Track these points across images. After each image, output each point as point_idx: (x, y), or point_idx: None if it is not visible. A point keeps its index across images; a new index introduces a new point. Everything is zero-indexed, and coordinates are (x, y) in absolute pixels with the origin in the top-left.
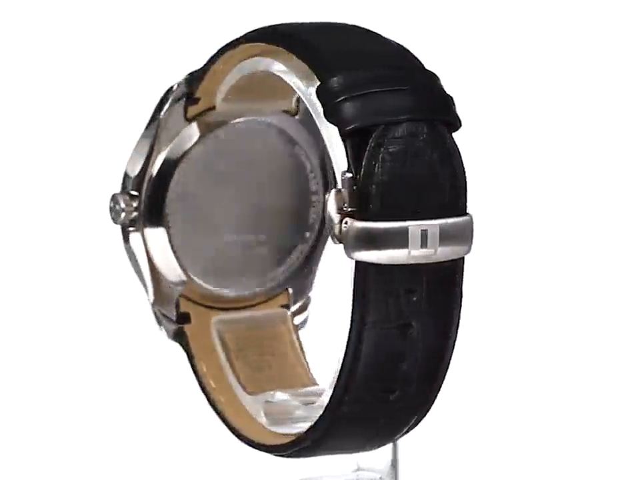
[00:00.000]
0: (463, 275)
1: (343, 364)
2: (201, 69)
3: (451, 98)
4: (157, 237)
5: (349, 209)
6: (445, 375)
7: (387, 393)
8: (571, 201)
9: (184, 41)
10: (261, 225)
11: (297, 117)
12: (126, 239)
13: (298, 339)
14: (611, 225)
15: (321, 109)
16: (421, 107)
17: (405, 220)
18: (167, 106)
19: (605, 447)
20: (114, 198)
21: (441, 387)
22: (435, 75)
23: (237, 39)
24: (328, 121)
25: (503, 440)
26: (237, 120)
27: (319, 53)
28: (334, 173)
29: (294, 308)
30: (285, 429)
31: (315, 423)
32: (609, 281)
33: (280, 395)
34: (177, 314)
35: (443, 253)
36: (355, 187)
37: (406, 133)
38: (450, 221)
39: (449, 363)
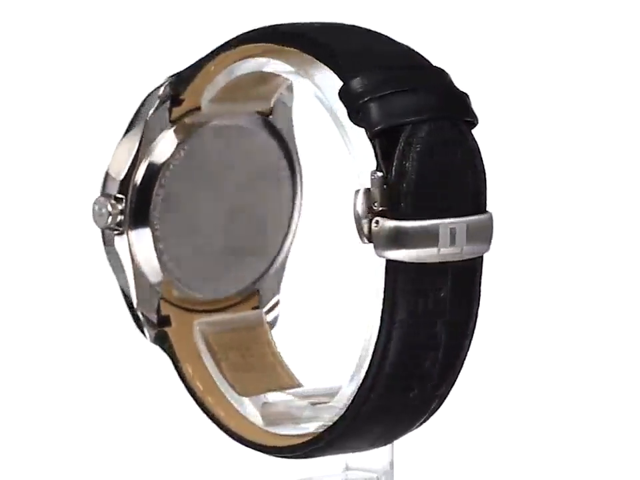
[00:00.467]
0: (482, 273)
1: (371, 362)
2: (190, 69)
3: (467, 95)
4: (141, 239)
5: (380, 208)
6: (459, 374)
7: (407, 392)
8: (571, 201)
9: (161, 40)
10: (237, 228)
11: (269, 118)
12: (110, 242)
13: (272, 339)
14: (611, 224)
15: (341, 110)
16: (443, 106)
17: (435, 218)
18: (153, 108)
19: (603, 447)
20: (99, 202)
21: (453, 385)
22: (446, 72)
23: (236, 39)
24: (353, 121)
25: (498, 439)
26: (217, 122)
27: (338, 53)
28: (301, 177)
29: (265, 309)
30: (284, 429)
31: (335, 422)
32: (612, 280)
33: (279, 396)
34: (158, 317)
35: (468, 251)
36: (385, 186)
37: (432, 132)
38: (474, 218)
39: (464, 362)
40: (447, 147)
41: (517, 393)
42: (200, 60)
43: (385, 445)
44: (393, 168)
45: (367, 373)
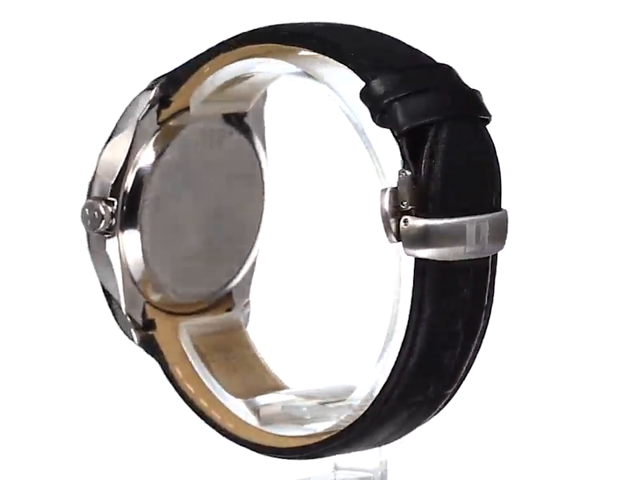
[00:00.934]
0: (496, 271)
1: (397, 361)
2: (182, 70)
3: (479, 92)
4: (131, 242)
5: (409, 207)
6: (469, 371)
7: (424, 390)
8: (570, 200)
9: (141, 41)
10: (215, 230)
11: (245, 119)
12: (100, 245)
13: (251, 341)
14: (611, 222)
15: (359, 110)
16: (462, 104)
17: (461, 216)
18: (144, 111)
19: (600, 447)
20: (90, 205)
21: (462, 384)
22: (453, 69)
23: (235, 40)
24: (378, 121)
25: (491, 437)
26: (198, 123)
27: (357, 54)
28: (263, 177)
29: (238, 310)
30: (286, 430)
31: (355, 421)
32: (613, 278)
33: (279, 397)
34: (143, 320)
35: (488, 249)
36: (414, 185)
37: (455, 131)
38: (494, 215)
39: (474, 360)
40: (469, 145)
41: (510, 390)
42: (194, 60)
43: (389, 443)
44: (422, 167)
45: (392, 371)
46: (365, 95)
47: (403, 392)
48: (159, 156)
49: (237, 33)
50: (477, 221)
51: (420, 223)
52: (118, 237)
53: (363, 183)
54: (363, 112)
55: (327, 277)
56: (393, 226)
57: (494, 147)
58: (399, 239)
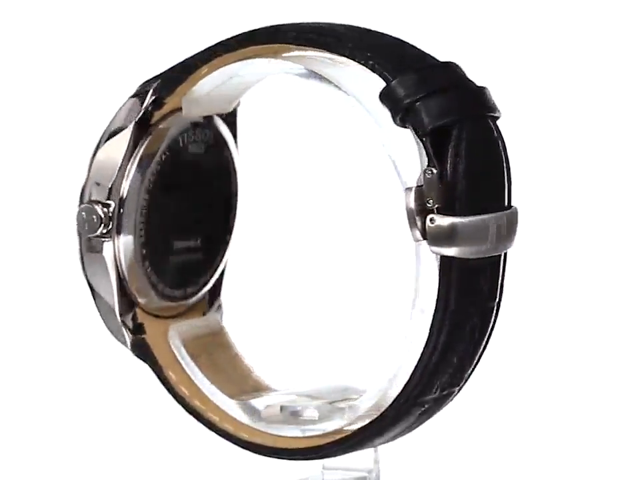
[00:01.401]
0: (506, 267)
1: (420, 358)
2: (178, 71)
3: (488, 89)
4: (127, 245)
5: (435, 205)
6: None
7: (437, 388)
8: (570, 199)
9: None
10: (197, 231)
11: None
12: (97, 249)
13: (232, 342)
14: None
15: (377, 109)
16: (478, 103)
17: (484, 214)
18: (139, 114)
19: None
20: (87, 209)
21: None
22: (460, 67)
23: (235, 40)
24: (399, 121)
25: (483, 436)
26: (185, 124)
27: (374, 54)
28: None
29: (213, 311)
30: (289, 431)
31: (373, 421)
32: (613, 276)
33: (279, 398)
34: (133, 324)
35: (504, 245)
36: (440, 184)
37: (474, 130)
38: (509, 213)
39: (482, 357)
40: (487, 143)
41: (503, 388)
42: (191, 61)
43: (392, 441)
44: (448, 166)
45: (414, 369)
46: (386, 96)
47: (421, 390)
48: (152, 158)
49: (237, 33)
50: (497, 219)
51: (447, 221)
52: (114, 240)
53: (377, 182)
54: (379, 112)
55: (337, 276)
56: (419, 224)
57: (505, 144)
58: (424, 237)
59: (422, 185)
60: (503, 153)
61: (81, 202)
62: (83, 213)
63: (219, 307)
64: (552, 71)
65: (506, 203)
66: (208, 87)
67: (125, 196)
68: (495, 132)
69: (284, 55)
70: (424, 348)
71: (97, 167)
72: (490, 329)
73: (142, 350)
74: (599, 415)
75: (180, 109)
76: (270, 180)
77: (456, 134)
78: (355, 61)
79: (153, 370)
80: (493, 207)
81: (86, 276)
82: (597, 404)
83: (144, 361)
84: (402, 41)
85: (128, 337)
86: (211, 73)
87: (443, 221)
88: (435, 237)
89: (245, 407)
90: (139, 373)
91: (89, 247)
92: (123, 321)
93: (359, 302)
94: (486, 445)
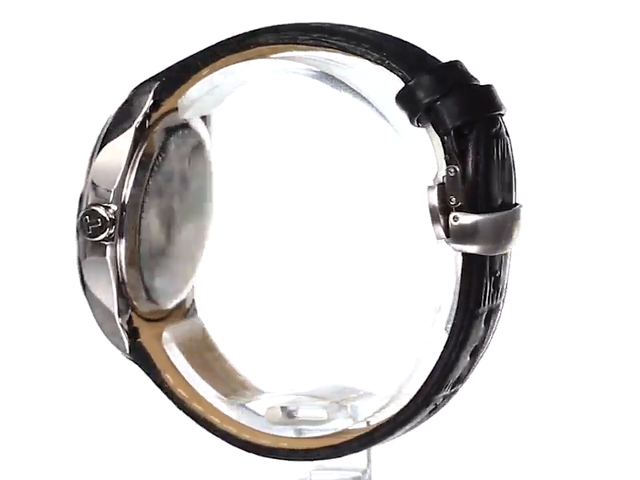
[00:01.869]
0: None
1: (441, 356)
2: (178, 72)
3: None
4: (127, 248)
5: (459, 203)
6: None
7: (450, 385)
8: (568, 197)
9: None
10: (185, 233)
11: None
12: (100, 252)
13: (215, 344)
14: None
15: (392, 109)
16: (490, 102)
17: (501, 211)
18: (140, 116)
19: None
20: (93, 213)
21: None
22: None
23: (236, 41)
24: (419, 120)
25: (474, 435)
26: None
27: (389, 54)
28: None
29: (191, 313)
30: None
31: (390, 419)
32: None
33: (282, 399)
34: (129, 328)
35: (514, 242)
36: (462, 182)
37: (489, 128)
38: (518, 209)
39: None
40: (499, 141)
41: (494, 387)
42: (191, 61)
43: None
44: (470, 164)
45: (435, 366)
46: (405, 96)
47: (437, 387)
48: (149, 160)
49: (238, 33)
50: (511, 216)
51: (470, 219)
52: (116, 243)
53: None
54: (392, 112)
55: (342, 276)
56: (442, 222)
57: (511, 141)
58: (447, 235)
59: (443, 183)
60: (511, 150)
61: (82, 205)
62: (87, 217)
63: (195, 309)
64: (549, 69)
65: (514, 200)
66: (208, 87)
67: (127, 199)
68: (504, 129)
69: (289, 54)
70: (444, 346)
71: (98, 170)
72: (495, 326)
73: (139, 353)
74: (598, 414)
75: (174, 110)
76: (280, 178)
77: (475, 133)
78: (371, 61)
79: (150, 374)
80: (507, 205)
81: (83, 280)
82: (597, 404)
83: (140, 365)
84: (402, 40)
85: (126, 341)
86: (212, 73)
87: (467, 218)
88: (458, 235)
89: (244, 409)
90: (134, 377)
91: (91, 251)
92: (121, 324)
93: (359, 302)
94: (478, 444)
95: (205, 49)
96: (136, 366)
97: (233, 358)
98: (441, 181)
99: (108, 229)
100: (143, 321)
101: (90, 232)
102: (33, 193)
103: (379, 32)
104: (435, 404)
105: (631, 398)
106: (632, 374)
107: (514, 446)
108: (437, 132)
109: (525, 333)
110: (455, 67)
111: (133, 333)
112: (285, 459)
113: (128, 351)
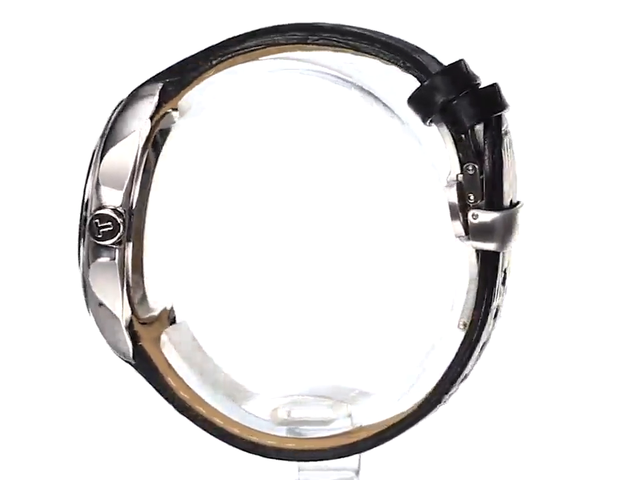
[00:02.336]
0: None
1: (458, 352)
2: (183, 73)
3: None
4: (134, 252)
5: (478, 201)
6: None
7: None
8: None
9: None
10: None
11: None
12: (109, 256)
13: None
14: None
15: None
16: (497, 100)
17: (512, 208)
18: (146, 118)
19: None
20: (104, 217)
21: None
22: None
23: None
24: (435, 119)
25: (464, 433)
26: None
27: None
28: None
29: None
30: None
31: (405, 417)
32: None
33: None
34: (130, 332)
35: (518, 237)
36: (480, 180)
37: (499, 126)
38: (520, 207)
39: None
40: (506, 139)
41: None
42: (195, 61)
43: None
44: (487, 162)
45: (452, 363)
46: (421, 96)
47: (450, 385)
48: (153, 162)
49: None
50: (519, 212)
51: (490, 216)
52: (125, 246)
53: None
54: (405, 111)
55: (334, 280)
56: (461, 219)
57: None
58: (466, 232)
59: (461, 181)
60: (513, 148)
61: (88, 208)
62: (97, 220)
63: (174, 311)
64: (545, 69)
65: (517, 198)
66: (211, 88)
67: (135, 202)
68: (509, 128)
69: (296, 54)
70: (462, 343)
71: (106, 173)
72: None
73: (142, 357)
74: (598, 414)
75: (173, 111)
76: (292, 179)
77: (490, 131)
78: (384, 60)
79: (151, 378)
80: (514, 202)
81: (86, 284)
82: (597, 404)
83: (142, 370)
84: (405, 41)
85: (130, 345)
86: (216, 74)
87: (486, 216)
88: (477, 232)
89: (244, 411)
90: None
91: (99, 254)
92: (125, 327)
93: (369, 302)
94: (468, 443)
95: (206, 49)
96: (135, 371)
97: (232, 358)
98: (456, 179)
99: (118, 233)
100: (140, 324)
101: (100, 235)
102: (32, 193)
103: (383, 32)
104: (446, 401)
105: (630, 395)
106: (631, 371)
107: (511, 445)
108: (452, 131)
109: (525, 333)
110: (463, 67)
111: (134, 337)
112: (292, 460)
113: (132, 355)
